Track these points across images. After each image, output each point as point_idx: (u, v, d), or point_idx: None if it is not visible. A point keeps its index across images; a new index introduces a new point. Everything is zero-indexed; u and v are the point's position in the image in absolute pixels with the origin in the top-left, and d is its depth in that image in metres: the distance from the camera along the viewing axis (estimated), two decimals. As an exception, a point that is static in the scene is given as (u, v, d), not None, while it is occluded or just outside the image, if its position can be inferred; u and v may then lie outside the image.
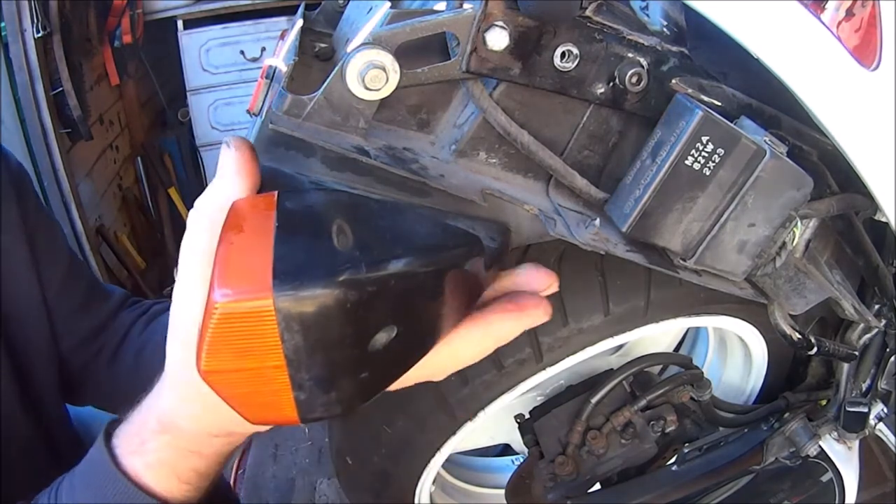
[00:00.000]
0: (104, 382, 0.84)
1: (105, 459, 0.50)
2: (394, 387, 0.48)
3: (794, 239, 0.58)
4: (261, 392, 0.37)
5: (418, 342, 0.42)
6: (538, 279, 0.52)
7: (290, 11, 2.42)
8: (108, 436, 0.52)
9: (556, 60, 0.51)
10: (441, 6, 0.52)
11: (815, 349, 0.72)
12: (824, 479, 0.89)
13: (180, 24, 2.46)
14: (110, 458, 0.50)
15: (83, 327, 0.82)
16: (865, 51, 0.49)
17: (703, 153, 0.50)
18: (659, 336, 1.03)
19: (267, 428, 0.50)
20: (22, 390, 0.76)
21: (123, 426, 0.52)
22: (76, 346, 0.82)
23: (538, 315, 0.50)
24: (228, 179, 0.45)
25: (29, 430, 0.77)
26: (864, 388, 0.84)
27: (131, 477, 0.49)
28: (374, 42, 0.47)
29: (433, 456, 0.89)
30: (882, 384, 0.83)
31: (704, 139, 0.49)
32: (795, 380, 0.96)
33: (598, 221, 0.54)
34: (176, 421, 0.49)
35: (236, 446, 0.52)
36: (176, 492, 0.50)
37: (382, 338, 0.38)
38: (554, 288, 0.53)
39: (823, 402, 0.90)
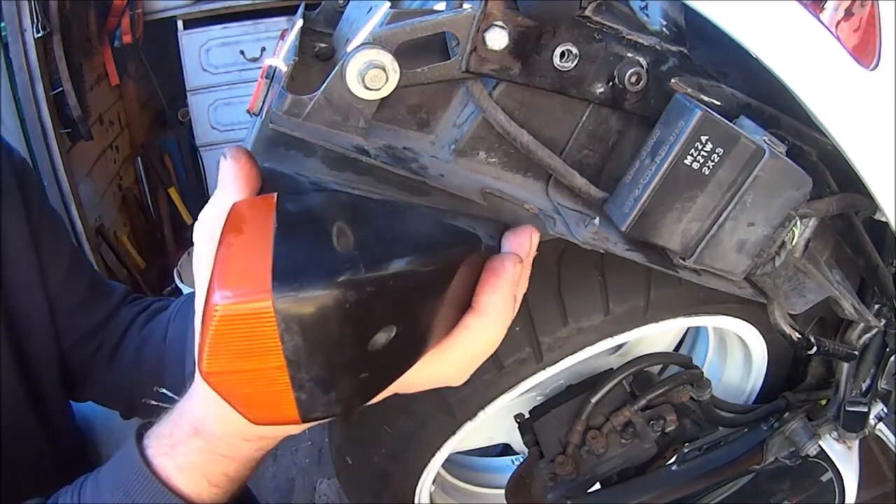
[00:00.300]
0: (104, 379, 0.84)
1: (136, 459, 0.50)
2: (415, 390, 0.48)
3: (793, 238, 0.58)
4: (261, 392, 0.37)
5: (418, 342, 0.43)
6: (518, 246, 0.51)
7: (290, 11, 2.42)
8: (140, 437, 0.52)
9: (556, 60, 0.51)
10: (441, 6, 0.52)
11: (814, 349, 0.72)
12: (824, 478, 0.89)
13: (180, 24, 2.46)
14: (141, 458, 0.50)
15: (84, 324, 0.82)
16: (864, 50, 0.49)
17: (703, 152, 0.50)
18: (659, 336, 1.03)
19: (299, 430, 0.50)
20: (26, 386, 0.76)
21: (156, 427, 0.52)
22: (76, 342, 0.82)
23: (513, 272, 0.48)
24: (228, 190, 0.45)
25: (33, 425, 0.78)
26: (863, 388, 0.84)
27: (161, 478, 0.49)
28: (374, 42, 0.47)
29: (433, 456, 0.89)
30: (882, 384, 0.83)
31: (704, 138, 0.49)
32: (795, 380, 0.96)
33: (597, 220, 0.54)
34: (206, 425, 0.49)
35: (267, 451, 0.52)
36: (205, 495, 0.50)
37: (382, 338, 0.38)
38: (535, 243, 0.51)
39: (823, 402, 0.90)
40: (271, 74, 0.56)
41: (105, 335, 0.84)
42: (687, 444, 0.90)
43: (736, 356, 1.00)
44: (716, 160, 0.50)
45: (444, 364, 0.48)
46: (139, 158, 2.67)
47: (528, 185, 0.58)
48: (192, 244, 0.48)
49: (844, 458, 0.88)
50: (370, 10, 0.56)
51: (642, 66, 0.52)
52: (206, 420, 0.49)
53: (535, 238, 0.51)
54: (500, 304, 0.47)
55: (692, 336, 1.12)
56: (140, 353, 0.82)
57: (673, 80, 0.53)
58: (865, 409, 0.82)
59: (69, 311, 0.80)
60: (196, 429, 0.49)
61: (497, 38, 0.49)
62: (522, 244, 0.50)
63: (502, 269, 0.47)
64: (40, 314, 0.78)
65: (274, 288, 0.34)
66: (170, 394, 0.80)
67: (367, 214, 0.44)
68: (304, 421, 0.38)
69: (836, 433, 0.87)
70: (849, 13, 0.49)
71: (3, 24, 1.74)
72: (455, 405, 0.81)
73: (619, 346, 1.01)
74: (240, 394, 0.37)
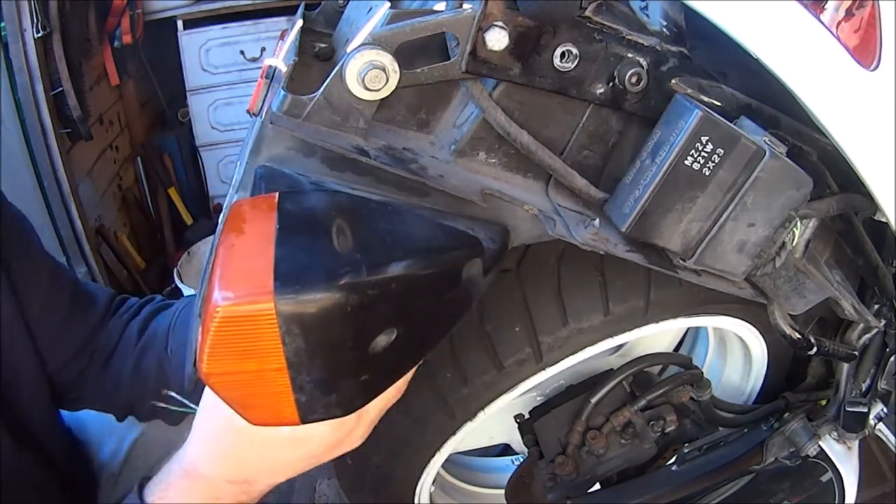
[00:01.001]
0: (98, 389, 0.82)
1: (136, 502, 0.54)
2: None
3: (793, 239, 0.58)
4: (261, 394, 0.37)
5: (418, 344, 0.43)
6: None
7: (290, 11, 2.42)
8: (142, 485, 0.55)
9: (556, 60, 0.51)
10: (441, 6, 0.52)
11: (814, 349, 0.72)
12: (824, 479, 0.89)
13: (180, 24, 2.46)
14: (140, 500, 0.53)
15: (70, 344, 0.80)
16: (865, 51, 0.49)
17: (703, 153, 0.50)
18: (659, 336, 1.03)
19: (286, 477, 0.53)
20: (11, 422, 0.73)
21: (156, 474, 0.55)
22: (65, 363, 0.80)
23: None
24: None
25: (19, 457, 0.75)
26: (863, 388, 0.84)
27: None
28: (374, 42, 0.47)
29: (433, 456, 0.88)
30: (882, 384, 0.83)
31: (704, 139, 0.49)
32: (795, 380, 0.96)
33: (597, 222, 0.54)
34: (196, 465, 0.51)
35: (255, 498, 0.55)
36: None
37: (383, 340, 0.38)
38: None
39: (823, 402, 0.90)
40: (271, 74, 0.56)
41: (94, 347, 0.81)
42: (687, 444, 0.90)
43: (736, 356, 1.00)
44: (716, 161, 0.50)
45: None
46: (139, 158, 2.66)
47: (528, 186, 0.57)
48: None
49: (844, 458, 0.88)
50: (370, 10, 0.56)
51: (642, 67, 0.52)
52: (196, 461, 0.52)
53: None
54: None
55: (692, 336, 1.12)
56: (139, 364, 0.81)
57: (673, 81, 0.53)
58: (865, 410, 0.82)
59: (53, 334, 0.78)
60: (186, 470, 0.52)
61: (497, 39, 0.48)
62: None
63: None
64: (23, 347, 0.75)
65: (276, 289, 0.34)
66: (178, 397, 0.79)
67: (367, 216, 0.44)
68: (304, 422, 0.38)
69: (835, 433, 0.87)
70: (849, 13, 0.49)
71: (3, 24, 1.74)
72: (455, 405, 0.81)
73: (619, 347, 1.01)
74: (239, 395, 0.37)
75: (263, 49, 2.50)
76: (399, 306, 0.38)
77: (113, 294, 0.88)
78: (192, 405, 0.79)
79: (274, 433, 0.49)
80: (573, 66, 0.51)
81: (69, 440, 0.93)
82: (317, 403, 0.37)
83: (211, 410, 0.52)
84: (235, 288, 0.35)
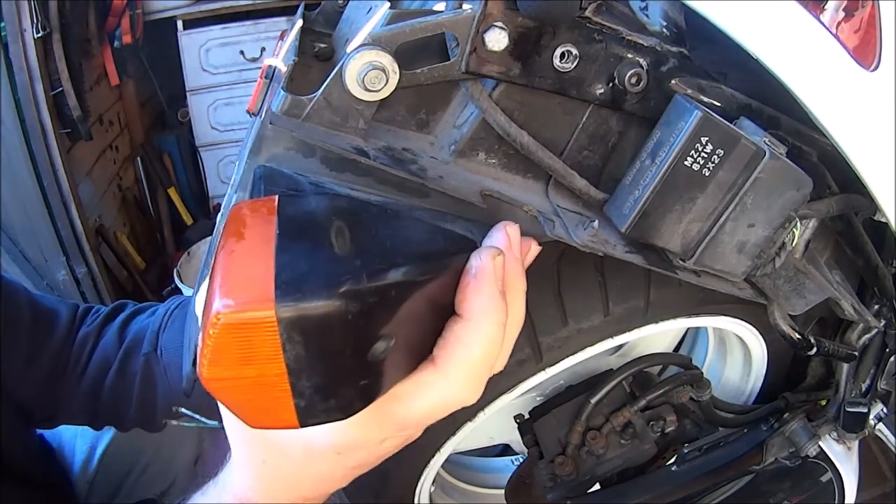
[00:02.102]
0: (73, 404, 0.81)
1: None
2: (433, 422, 0.47)
3: (793, 239, 0.58)
4: (261, 399, 0.37)
5: (417, 348, 0.43)
6: (495, 241, 0.47)
7: (290, 11, 2.42)
8: None
9: (556, 61, 0.51)
10: (441, 6, 0.52)
11: (814, 349, 0.72)
12: (824, 479, 0.89)
13: (180, 24, 2.46)
14: None
15: (39, 372, 0.78)
16: (865, 51, 0.49)
17: (703, 154, 0.50)
18: (659, 336, 1.03)
19: (341, 486, 0.50)
20: None
21: (196, 499, 0.53)
22: (36, 390, 0.78)
23: (491, 267, 0.43)
24: None
25: None
26: (863, 389, 0.84)
27: None
28: (374, 43, 0.47)
29: (433, 456, 0.88)
30: (882, 384, 0.83)
31: (704, 140, 0.49)
32: (795, 380, 0.96)
33: (596, 223, 0.54)
34: (249, 495, 0.49)
35: None
36: None
37: (381, 346, 0.38)
38: (514, 236, 0.47)
39: (823, 402, 0.90)
40: (271, 74, 0.56)
41: (64, 367, 0.79)
42: (687, 444, 0.90)
43: (736, 356, 1.00)
44: (716, 161, 0.50)
45: (449, 384, 0.44)
46: (139, 158, 2.66)
47: (527, 187, 0.57)
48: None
49: (844, 458, 0.88)
50: (370, 10, 0.56)
51: (642, 67, 0.52)
52: (247, 491, 0.49)
53: (513, 231, 0.47)
54: (486, 304, 0.43)
55: (692, 336, 1.12)
56: (125, 367, 0.79)
57: (673, 81, 0.53)
58: (865, 410, 0.82)
59: (18, 371, 0.75)
60: (239, 499, 0.50)
61: (497, 39, 0.48)
62: (499, 239, 0.47)
63: (479, 267, 0.43)
64: None
65: (277, 297, 0.34)
66: (189, 412, 0.78)
67: (367, 221, 0.44)
68: (303, 426, 0.38)
69: (835, 434, 0.87)
70: (849, 14, 0.49)
71: (3, 24, 1.74)
72: (455, 406, 0.81)
73: (619, 347, 1.01)
74: (239, 400, 0.37)
75: (263, 49, 2.50)
76: (398, 313, 0.38)
77: (76, 305, 0.85)
78: (203, 419, 0.78)
79: (320, 444, 0.45)
80: (573, 67, 0.51)
81: (43, 452, 0.91)
82: (316, 408, 0.37)
83: (244, 434, 0.48)
84: (236, 295, 0.35)
